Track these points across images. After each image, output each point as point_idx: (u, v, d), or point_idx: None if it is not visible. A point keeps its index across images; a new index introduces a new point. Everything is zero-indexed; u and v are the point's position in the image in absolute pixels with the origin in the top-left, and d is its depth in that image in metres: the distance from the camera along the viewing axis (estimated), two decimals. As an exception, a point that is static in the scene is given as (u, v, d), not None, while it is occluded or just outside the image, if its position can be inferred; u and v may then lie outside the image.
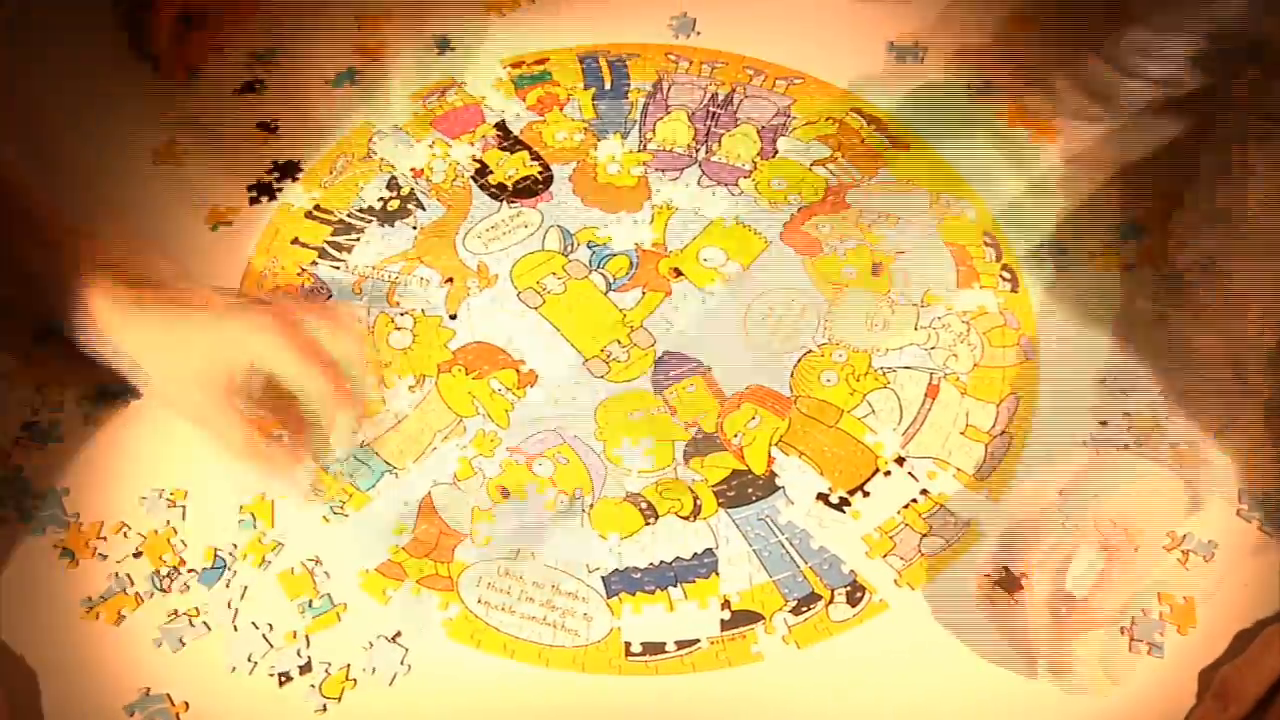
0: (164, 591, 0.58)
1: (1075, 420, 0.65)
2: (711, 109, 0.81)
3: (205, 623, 0.57)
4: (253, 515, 0.61)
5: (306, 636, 0.57)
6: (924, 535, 0.61)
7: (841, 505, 0.62)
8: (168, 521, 0.60)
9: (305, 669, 0.56)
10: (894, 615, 0.59)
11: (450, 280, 0.71)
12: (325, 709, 0.55)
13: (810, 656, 0.57)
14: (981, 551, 0.60)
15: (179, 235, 0.72)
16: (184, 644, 0.57)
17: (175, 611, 0.58)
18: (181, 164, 0.76)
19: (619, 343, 0.69)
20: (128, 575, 0.59)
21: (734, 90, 0.83)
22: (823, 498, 0.62)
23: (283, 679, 0.56)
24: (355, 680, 0.56)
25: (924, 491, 0.63)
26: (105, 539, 0.60)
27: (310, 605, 0.58)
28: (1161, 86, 0.73)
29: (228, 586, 0.59)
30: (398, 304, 0.70)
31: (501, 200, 0.76)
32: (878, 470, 0.64)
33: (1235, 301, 0.61)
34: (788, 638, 0.58)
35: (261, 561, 0.59)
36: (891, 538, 0.61)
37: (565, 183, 0.77)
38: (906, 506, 0.62)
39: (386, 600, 0.59)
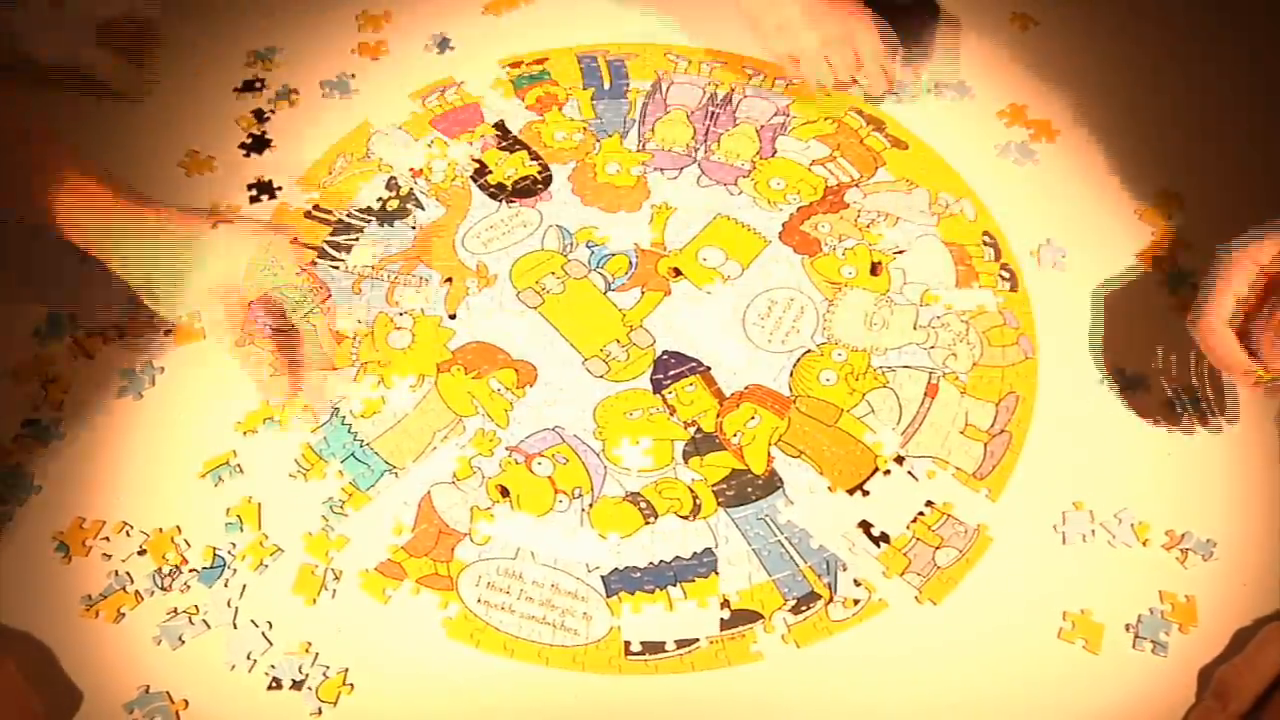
0: (164, 590, 0.58)
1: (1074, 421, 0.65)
2: (711, 109, 0.82)
3: (205, 620, 0.58)
4: (239, 518, 0.61)
5: (315, 653, 0.57)
6: (937, 548, 0.61)
7: (880, 540, 0.61)
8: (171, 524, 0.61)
9: (297, 685, 0.56)
10: (893, 614, 0.59)
11: (449, 280, 0.72)
12: (320, 712, 0.55)
13: (809, 655, 0.57)
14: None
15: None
16: (183, 642, 0.57)
17: (175, 610, 0.58)
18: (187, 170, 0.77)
19: (618, 342, 0.69)
20: (128, 573, 0.59)
21: (733, 90, 0.83)
22: (864, 526, 0.62)
23: (274, 684, 0.56)
24: (353, 686, 0.56)
25: (929, 503, 0.63)
26: (108, 539, 0.60)
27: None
28: None
29: (226, 585, 0.59)
30: (397, 304, 0.70)
31: (500, 200, 0.76)
32: (877, 469, 0.64)
33: None
34: (787, 637, 0.58)
35: (259, 564, 0.59)
36: (905, 554, 0.61)
37: (564, 182, 0.77)
38: (914, 521, 0.62)
39: (386, 600, 0.59)
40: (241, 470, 0.63)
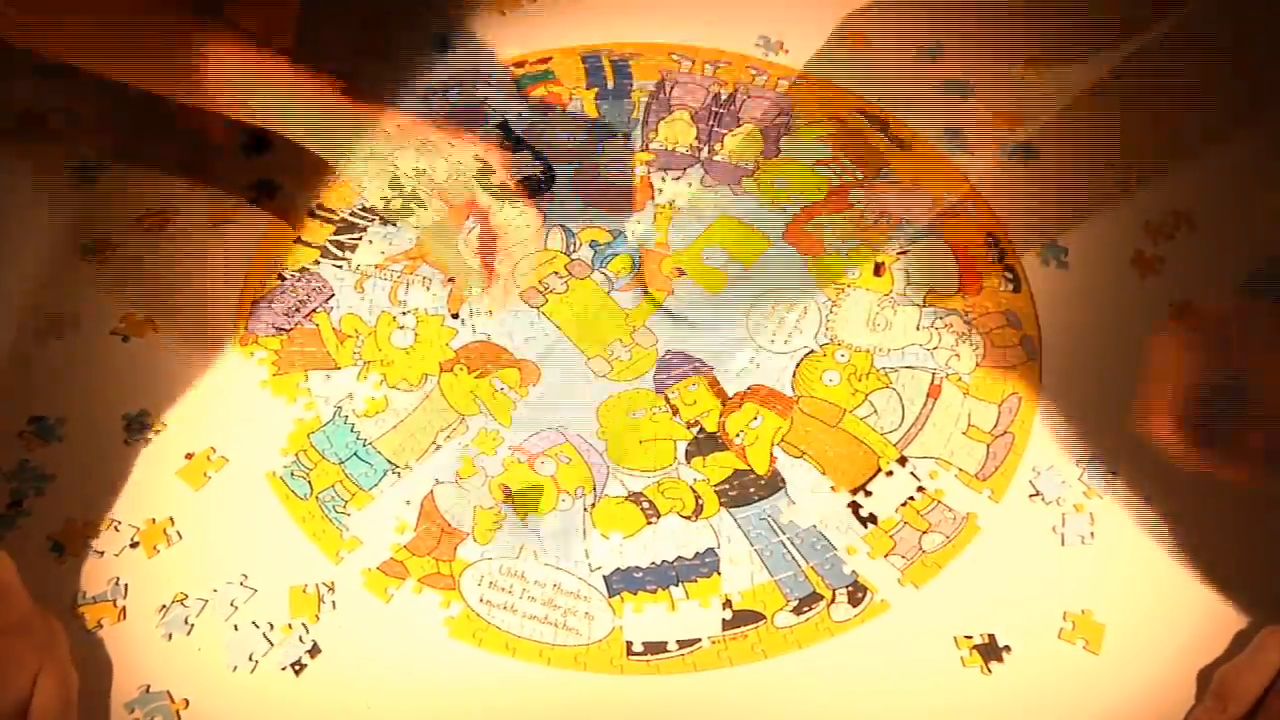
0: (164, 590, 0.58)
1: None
2: (714, 109, 0.82)
3: (206, 618, 0.57)
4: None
5: (305, 625, 0.57)
6: (924, 532, 0.61)
7: (868, 521, 0.62)
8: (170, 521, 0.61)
9: (314, 651, 0.56)
10: (895, 615, 0.59)
11: (452, 279, 0.71)
12: (322, 713, 0.55)
13: (811, 656, 0.58)
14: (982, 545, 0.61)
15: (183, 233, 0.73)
16: (187, 635, 0.57)
17: (178, 602, 0.58)
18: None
19: (621, 342, 0.69)
20: (126, 572, 0.59)
21: (736, 90, 0.83)
22: (854, 507, 0.62)
23: (296, 668, 0.56)
24: (354, 686, 0.56)
25: (920, 488, 0.63)
26: (103, 536, 0.60)
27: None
28: None
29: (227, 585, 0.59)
30: (400, 303, 0.70)
31: (504, 200, 0.76)
32: (879, 470, 0.64)
33: None
34: (789, 637, 0.58)
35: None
36: (891, 536, 0.61)
37: (568, 182, 0.77)
38: (904, 504, 0.62)
39: (389, 599, 0.59)
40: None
